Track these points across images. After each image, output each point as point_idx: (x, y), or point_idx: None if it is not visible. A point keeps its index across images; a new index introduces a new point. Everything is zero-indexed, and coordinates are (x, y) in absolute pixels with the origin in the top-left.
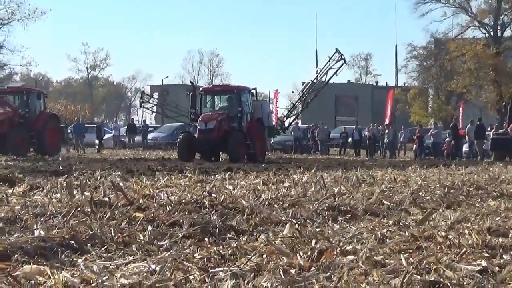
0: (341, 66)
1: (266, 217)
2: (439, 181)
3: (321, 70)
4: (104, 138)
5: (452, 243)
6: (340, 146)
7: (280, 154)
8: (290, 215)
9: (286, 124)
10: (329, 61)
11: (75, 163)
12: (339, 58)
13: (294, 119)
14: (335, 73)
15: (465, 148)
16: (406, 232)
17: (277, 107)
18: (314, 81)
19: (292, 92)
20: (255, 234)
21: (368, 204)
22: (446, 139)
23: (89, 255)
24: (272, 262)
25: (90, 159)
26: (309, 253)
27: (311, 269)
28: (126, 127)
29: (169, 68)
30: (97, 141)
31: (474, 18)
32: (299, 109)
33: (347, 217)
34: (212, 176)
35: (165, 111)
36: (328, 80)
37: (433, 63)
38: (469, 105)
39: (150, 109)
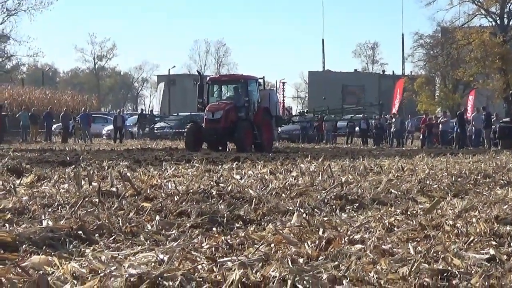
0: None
1: (273, 207)
2: (446, 169)
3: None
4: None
5: (460, 231)
6: (347, 135)
7: (287, 143)
8: (297, 205)
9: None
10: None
11: (82, 153)
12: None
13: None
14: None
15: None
16: (414, 220)
17: (284, 97)
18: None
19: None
20: (262, 223)
21: (376, 193)
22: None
23: (97, 245)
24: (280, 251)
25: (97, 149)
26: (317, 242)
27: (319, 258)
28: (136, 117)
29: (176, 58)
30: (104, 131)
31: (480, 7)
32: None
33: (355, 206)
34: (220, 166)
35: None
36: None
37: (439, 51)
38: (475, 93)
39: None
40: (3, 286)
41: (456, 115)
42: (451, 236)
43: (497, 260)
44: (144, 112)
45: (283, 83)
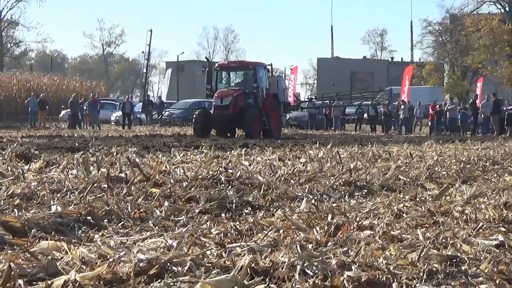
0: None
1: (282, 193)
2: (455, 156)
3: None
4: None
5: (468, 218)
6: (355, 122)
7: (296, 130)
8: (306, 191)
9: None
10: None
11: (90, 139)
12: None
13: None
14: None
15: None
16: (423, 207)
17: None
18: None
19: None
20: (271, 209)
21: (384, 180)
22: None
23: (106, 231)
24: (289, 237)
25: (106, 135)
26: (326, 228)
27: (328, 244)
28: (142, 103)
29: (185, 45)
30: (112, 117)
31: None
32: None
33: (364, 192)
34: (228, 152)
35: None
36: None
37: (448, 38)
38: (484, 80)
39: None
40: (12, 271)
41: (470, 103)
42: (460, 222)
43: (506, 246)
44: (151, 98)
45: (292, 68)
